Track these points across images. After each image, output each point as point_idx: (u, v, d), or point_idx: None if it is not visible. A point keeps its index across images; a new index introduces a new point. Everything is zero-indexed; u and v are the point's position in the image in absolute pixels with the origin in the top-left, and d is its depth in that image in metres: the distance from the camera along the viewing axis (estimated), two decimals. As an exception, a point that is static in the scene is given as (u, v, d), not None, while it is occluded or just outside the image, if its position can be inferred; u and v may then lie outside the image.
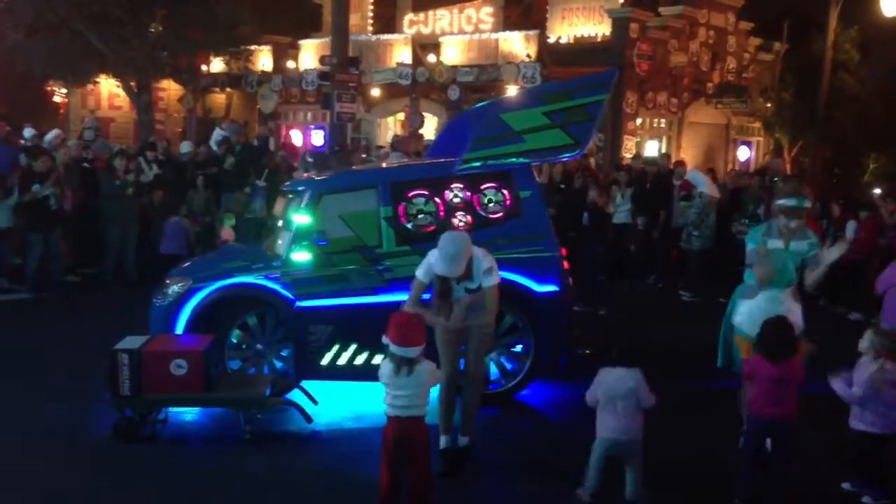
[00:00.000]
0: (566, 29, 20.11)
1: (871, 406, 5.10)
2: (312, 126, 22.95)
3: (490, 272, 5.33)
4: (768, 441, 5.08)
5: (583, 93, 6.75)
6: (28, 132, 13.19)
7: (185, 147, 13.97)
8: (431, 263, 5.32)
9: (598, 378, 4.99)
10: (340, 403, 6.73)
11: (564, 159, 9.20)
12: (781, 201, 5.73)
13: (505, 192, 6.90)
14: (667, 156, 15.53)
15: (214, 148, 13.89)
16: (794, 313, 5.54)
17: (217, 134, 14.91)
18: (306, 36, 23.51)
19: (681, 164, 13.64)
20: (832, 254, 5.71)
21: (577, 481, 5.02)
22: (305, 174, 9.40)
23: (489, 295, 5.37)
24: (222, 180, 12.36)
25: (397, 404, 4.58)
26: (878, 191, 11.61)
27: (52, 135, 12.49)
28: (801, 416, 4.99)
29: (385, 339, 4.63)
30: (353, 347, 6.68)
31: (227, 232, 10.34)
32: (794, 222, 5.65)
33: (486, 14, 21.18)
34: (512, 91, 16.72)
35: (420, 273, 5.43)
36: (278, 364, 6.87)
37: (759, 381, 4.97)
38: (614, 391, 4.88)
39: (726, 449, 5.71)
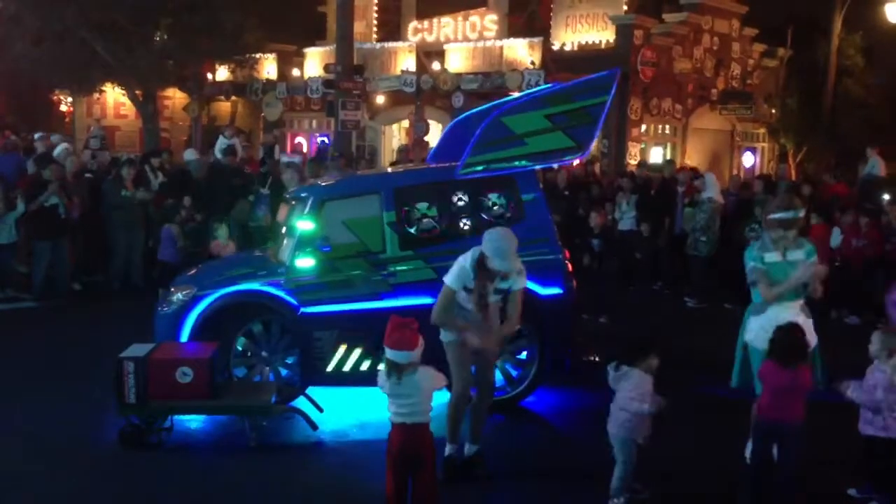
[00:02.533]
0: (570, 36, 20.16)
1: (887, 410, 5.07)
2: (317, 134, 23.02)
3: (521, 273, 5.37)
4: (775, 450, 5.06)
5: (584, 95, 6.72)
6: (37, 134, 13.30)
7: (189, 155, 14.01)
8: (465, 268, 5.26)
9: None
10: (346, 411, 6.73)
11: (567, 162, 9.18)
12: (775, 215, 5.62)
13: (508, 195, 6.89)
14: (672, 162, 15.53)
15: (218, 156, 13.92)
16: (806, 328, 5.50)
17: (221, 142, 14.95)
18: (311, 44, 23.60)
19: (683, 170, 13.64)
20: (806, 273, 5.58)
21: (582, 485, 5.01)
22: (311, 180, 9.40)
23: (516, 299, 5.39)
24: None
25: (401, 412, 4.57)
26: (886, 196, 11.54)
27: (60, 148, 12.56)
28: (806, 422, 4.98)
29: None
30: (358, 353, 6.68)
31: (216, 245, 10.12)
32: (790, 234, 5.60)
33: (491, 21, 21.25)
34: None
35: (453, 281, 5.31)
36: (284, 371, 6.87)
37: (768, 386, 4.96)
38: (610, 384, 4.98)
39: (729, 455, 5.69)
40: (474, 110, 8.08)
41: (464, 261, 5.31)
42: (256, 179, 12.14)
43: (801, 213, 5.69)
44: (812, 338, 5.48)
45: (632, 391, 4.86)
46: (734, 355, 5.89)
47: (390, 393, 4.56)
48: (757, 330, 5.57)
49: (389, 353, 4.52)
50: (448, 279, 5.34)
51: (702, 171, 14.79)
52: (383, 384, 4.59)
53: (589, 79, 6.90)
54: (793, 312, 5.52)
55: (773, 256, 5.58)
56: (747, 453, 5.59)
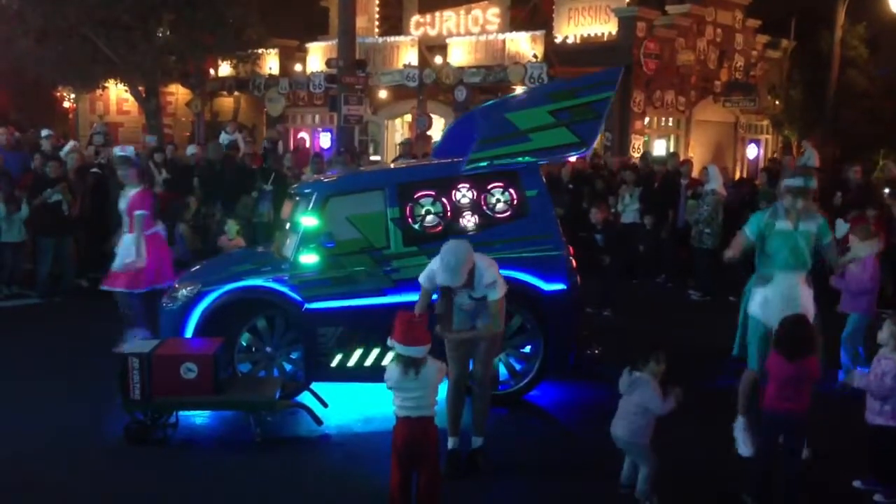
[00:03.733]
0: (573, 29, 20.11)
1: (893, 399, 5.07)
2: (320, 129, 23.02)
3: (493, 286, 5.28)
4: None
5: (589, 91, 6.74)
6: (45, 132, 13.30)
7: (191, 150, 14.03)
8: (433, 270, 5.33)
9: None
10: (350, 405, 6.75)
11: (570, 158, 9.19)
12: (788, 181, 5.61)
13: (512, 191, 6.89)
14: (675, 155, 15.50)
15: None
16: (807, 298, 5.51)
17: (223, 138, 14.97)
18: (313, 39, 23.59)
19: (687, 162, 13.62)
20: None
21: (587, 479, 5.02)
22: (315, 176, 9.41)
23: (494, 307, 5.34)
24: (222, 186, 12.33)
25: (407, 405, 4.59)
26: (887, 190, 11.52)
27: (68, 147, 12.58)
28: (811, 414, 4.99)
29: (391, 341, 4.64)
30: (362, 349, 6.70)
31: (224, 240, 10.19)
32: (801, 202, 5.56)
33: (493, 15, 21.20)
34: (518, 91, 16.72)
35: (423, 279, 5.46)
36: (288, 367, 6.89)
37: (775, 378, 4.97)
38: (620, 388, 4.99)
39: (734, 447, 5.70)
40: (479, 107, 8.09)
41: (434, 264, 5.36)
42: (259, 175, 12.16)
43: (813, 183, 5.63)
44: (811, 308, 5.47)
45: (651, 395, 4.87)
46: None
47: (396, 387, 4.58)
48: (761, 302, 5.56)
49: (404, 349, 4.55)
50: (421, 278, 5.48)
51: (705, 163, 14.79)
52: (390, 378, 4.61)
53: (593, 75, 6.91)
54: (797, 283, 5.51)
55: (784, 225, 5.55)
56: (735, 432, 5.67)
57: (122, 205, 8.17)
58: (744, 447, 5.67)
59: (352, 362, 6.71)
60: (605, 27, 19.49)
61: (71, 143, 12.92)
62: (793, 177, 5.62)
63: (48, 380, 7.38)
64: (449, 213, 6.84)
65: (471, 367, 5.57)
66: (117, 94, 22.93)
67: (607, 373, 5.11)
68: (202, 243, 11.48)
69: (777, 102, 22.01)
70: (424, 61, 20.44)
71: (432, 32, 22.06)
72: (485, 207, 6.87)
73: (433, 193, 6.86)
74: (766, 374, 5.10)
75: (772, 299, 5.46)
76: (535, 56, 18.36)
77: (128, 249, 7.93)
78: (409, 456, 4.57)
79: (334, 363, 6.71)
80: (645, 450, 4.94)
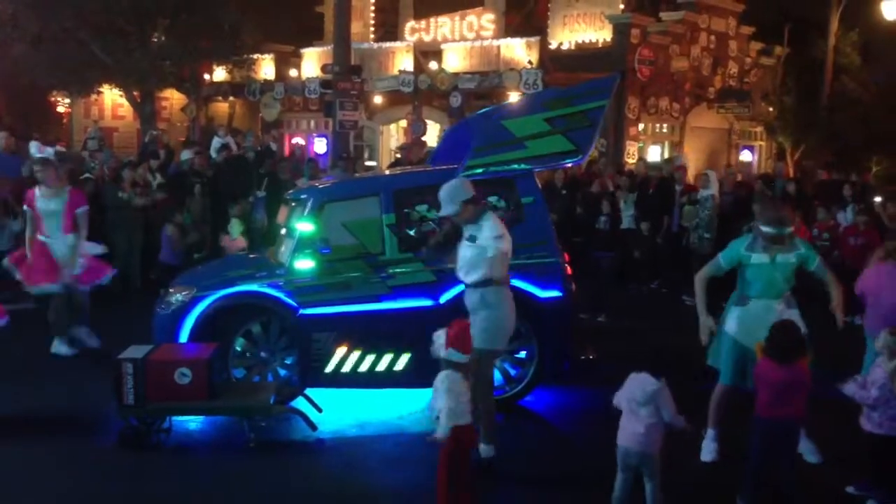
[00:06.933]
0: (567, 35, 20.18)
1: (882, 407, 5.09)
2: (315, 134, 23.03)
3: (499, 239, 5.50)
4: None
5: (584, 99, 6.76)
6: (34, 146, 13.22)
7: (186, 155, 14.03)
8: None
9: (625, 382, 4.86)
10: (344, 411, 6.74)
11: (566, 165, 9.21)
12: (762, 228, 5.60)
13: (507, 198, 6.91)
14: (671, 161, 15.55)
15: (214, 156, 13.95)
16: (791, 319, 5.53)
17: (216, 142, 14.97)
18: (308, 44, 23.61)
19: (680, 168, 13.66)
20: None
21: (582, 485, 5.01)
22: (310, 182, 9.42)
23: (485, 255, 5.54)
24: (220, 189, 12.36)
25: (460, 410, 4.72)
26: (878, 199, 11.57)
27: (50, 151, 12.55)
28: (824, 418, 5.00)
29: (444, 352, 4.78)
30: (356, 355, 6.69)
31: (226, 240, 10.25)
32: (776, 247, 5.56)
33: (488, 21, 21.26)
34: (514, 98, 16.76)
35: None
36: (282, 372, 6.88)
37: (767, 384, 4.97)
38: (632, 396, 4.75)
39: (728, 453, 5.72)
40: (474, 114, 8.12)
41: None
42: (254, 181, 12.18)
43: (788, 230, 5.60)
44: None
45: (672, 403, 4.75)
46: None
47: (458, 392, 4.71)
48: (736, 320, 5.71)
49: (456, 355, 4.74)
50: None
51: (700, 169, 14.85)
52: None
53: (589, 83, 6.93)
54: (775, 306, 5.57)
55: (760, 258, 5.64)
56: (704, 442, 5.75)
57: (55, 205, 8.37)
58: (707, 454, 5.81)
59: (347, 368, 6.71)
60: (599, 34, 19.57)
61: (55, 148, 12.88)
62: (766, 224, 5.56)
63: (42, 385, 7.36)
64: (444, 220, 6.84)
65: None
66: (112, 98, 22.92)
67: (602, 378, 5.10)
68: (198, 249, 11.47)
69: (771, 109, 22.09)
70: (419, 67, 20.47)
71: (427, 38, 22.11)
72: None
73: (429, 200, 6.87)
74: (756, 382, 5.12)
75: (746, 320, 5.56)
76: (529, 62, 18.40)
77: (80, 247, 8.33)
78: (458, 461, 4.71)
79: (329, 369, 6.71)
80: (657, 461, 4.80)
